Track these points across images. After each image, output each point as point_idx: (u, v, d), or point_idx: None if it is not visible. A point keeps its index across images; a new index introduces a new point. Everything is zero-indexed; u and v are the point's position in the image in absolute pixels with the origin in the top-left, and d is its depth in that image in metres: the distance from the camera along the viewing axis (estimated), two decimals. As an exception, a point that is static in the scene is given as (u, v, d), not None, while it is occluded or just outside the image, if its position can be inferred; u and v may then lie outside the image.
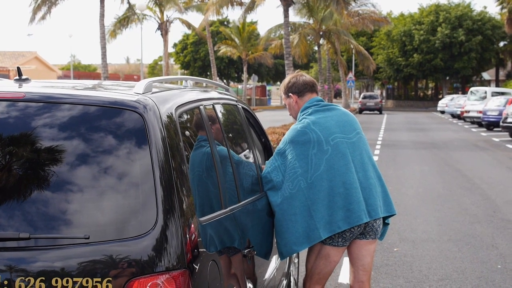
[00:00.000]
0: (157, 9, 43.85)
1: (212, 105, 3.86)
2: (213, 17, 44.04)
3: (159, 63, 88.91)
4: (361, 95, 62.50)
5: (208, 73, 70.94)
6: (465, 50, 65.40)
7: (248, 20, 58.73)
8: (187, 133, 3.34)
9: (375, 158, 18.48)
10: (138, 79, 60.20)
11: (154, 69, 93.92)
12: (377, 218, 4.38)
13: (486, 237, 8.81)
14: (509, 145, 23.80)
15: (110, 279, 2.69)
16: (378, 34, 71.41)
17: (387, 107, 75.22)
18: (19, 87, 3.18)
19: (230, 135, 4.20)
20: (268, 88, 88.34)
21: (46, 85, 3.40)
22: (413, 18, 69.78)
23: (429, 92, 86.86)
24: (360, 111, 56.87)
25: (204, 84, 5.13)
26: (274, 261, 4.65)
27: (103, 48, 31.34)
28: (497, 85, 69.11)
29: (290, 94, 4.67)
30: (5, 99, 2.98)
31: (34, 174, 2.83)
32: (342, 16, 37.10)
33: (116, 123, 2.91)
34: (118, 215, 2.76)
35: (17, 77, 3.39)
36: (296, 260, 5.91)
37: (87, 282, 2.68)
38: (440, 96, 70.96)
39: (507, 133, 26.88)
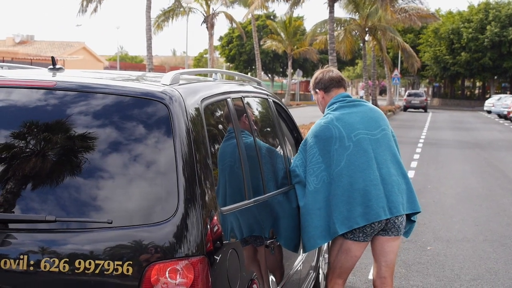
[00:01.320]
0: (203, 2, 44.06)
1: (241, 98, 3.90)
2: (259, 11, 44.12)
3: (204, 56, 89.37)
4: (406, 93, 61.89)
5: (253, 67, 71.07)
6: (515, 49, 64.18)
7: (294, 15, 58.57)
8: (220, 126, 3.43)
9: (417, 157, 18.38)
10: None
11: (199, 62, 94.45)
12: (398, 215, 4.35)
13: (523, 239, 8.69)
14: (555, 147, 23.34)
15: (131, 262, 2.74)
16: (425, 31, 70.52)
17: (433, 105, 74.31)
18: (52, 76, 3.28)
19: (259, 128, 4.23)
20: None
21: (77, 74, 3.50)
22: (462, 16, 68.71)
23: (476, 91, 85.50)
24: (405, 108, 56.30)
25: (237, 78, 5.24)
26: (301, 254, 4.66)
27: (149, 40, 31.68)
28: (546, 86, 67.68)
29: (316, 90, 4.69)
30: (37, 87, 3.06)
31: (64, 160, 2.91)
32: (388, 12, 36.70)
33: (143, 113, 2.96)
34: (141, 201, 2.82)
35: (51, 66, 3.49)
36: (326, 255, 5.89)
37: (108, 264, 2.74)
38: (488, 96, 69.75)
39: (554, 135, 26.37)
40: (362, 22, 42.22)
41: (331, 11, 30.35)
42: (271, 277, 3.77)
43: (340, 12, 47.77)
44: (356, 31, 43.10)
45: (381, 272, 4.60)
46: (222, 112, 3.56)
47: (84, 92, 3.05)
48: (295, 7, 35.54)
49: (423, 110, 56.30)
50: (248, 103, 4.05)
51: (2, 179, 2.90)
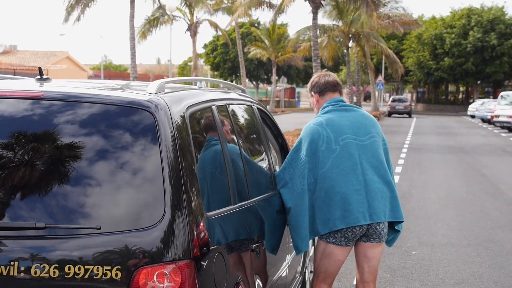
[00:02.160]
0: (187, 10, 44.10)
1: (225, 105, 3.97)
2: (242, 19, 44.21)
3: (189, 64, 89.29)
4: (390, 98, 62.12)
5: (238, 75, 71.10)
6: (497, 54, 64.63)
7: (279, 22, 58.69)
8: (204, 134, 3.54)
9: (401, 162, 18.47)
10: (168, 80, 60.42)
11: (183, 70, 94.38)
12: (380, 222, 4.40)
13: (506, 243, 8.75)
14: (538, 151, 23.54)
15: (120, 267, 2.81)
16: (408, 37, 70.91)
17: (417, 110, 74.68)
18: (40, 86, 3.34)
19: (243, 134, 4.29)
20: (297, 90, 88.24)
21: (65, 84, 3.56)
22: (445, 22, 69.16)
23: (460, 96, 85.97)
24: (389, 114, 56.55)
25: (221, 86, 5.19)
26: (286, 258, 4.73)
27: (133, 48, 31.63)
28: (529, 90, 68.26)
29: (312, 93, 4.79)
30: (25, 97, 3.12)
31: (51, 169, 2.97)
32: (372, 19, 36.87)
33: (129, 122, 3.02)
34: (128, 207, 2.89)
35: (39, 77, 3.54)
36: (311, 253, 5.91)
37: (97, 269, 2.80)
38: (471, 101, 70.14)
39: (536, 139, 26.59)
40: (346, 29, 42.46)
41: (315, 17, 30.47)
42: (257, 281, 3.82)
43: (324, 19, 47.99)
44: (339, 37, 43.29)
45: (363, 277, 4.65)
46: (207, 119, 3.62)
47: (71, 101, 3.11)
48: (279, 14, 35.59)
49: (407, 115, 56.58)
50: (233, 111, 4.12)
51: None
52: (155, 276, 2.82)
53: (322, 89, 4.71)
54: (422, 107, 79.75)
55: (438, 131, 35.39)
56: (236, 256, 3.53)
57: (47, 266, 2.83)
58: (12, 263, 2.84)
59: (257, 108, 4.78)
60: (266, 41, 58.58)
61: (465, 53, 65.72)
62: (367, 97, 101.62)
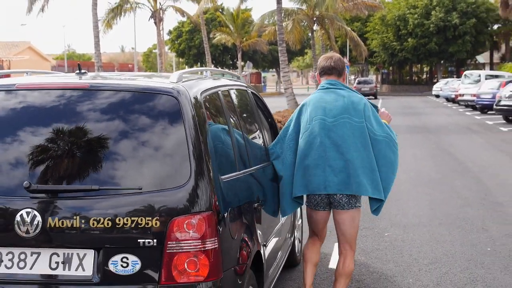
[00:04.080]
0: (150, -3, 43.66)
1: (227, 90, 4.82)
2: (208, 4, 43.89)
3: (153, 51, 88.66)
4: (356, 81, 62.45)
5: (203, 61, 70.79)
6: (459, 34, 65.27)
7: (243, 7, 58.47)
8: (214, 113, 4.32)
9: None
10: (133, 68, 59.91)
11: (148, 57, 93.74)
12: (334, 194, 5.07)
13: (476, 220, 8.88)
14: (502, 128, 23.88)
15: (158, 218, 3.58)
16: (372, 19, 71.18)
17: (382, 92, 75.21)
18: (83, 79, 4.13)
19: (242, 114, 5.06)
20: (263, 75, 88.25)
21: (101, 76, 4.61)
22: (408, 2, 69.56)
23: (424, 76, 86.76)
24: (355, 96, 56.72)
25: (223, 74, 6.25)
26: (280, 219, 5.56)
27: (96, 37, 31.31)
28: (491, 68, 69.12)
29: (316, 73, 5.48)
30: (76, 88, 3.91)
31: (101, 143, 3.72)
32: (336, 1, 36.96)
33: (159, 104, 3.80)
34: (161, 172, 3.66)
35: (78, 71, 4.33)
36: (299, 222, 7.02)
37: (141, 220, 3.58)
38: (435, 80, 70.80)
39: (500, 116, 26.96)
40: (310, 12, 42.40)
41: (279, 1, 30.41)
42: (259, 232, 4.56)
43: (288, 2, 48.03)
44: (304, 21, 43.26)
45: (339, 239, 5.38)
46: (215, 101, 4.40)
47: (112, 90, 3.89)
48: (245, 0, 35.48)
49: (373, 97, 56.95)
50: (233, 94, 4.97)
51: (54, 159, 3.72)
52: (184, 225, 3.58)
53: (320, 72, 5.40)
54: (387, 88, 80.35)
55: (404, 112, 35.69)
56: (243, 211, 4.28)
57: (102, 219, 3.59)
58: (74, 217, 3.60)
59: (251, 92, 5.65)
60: (230, 26, 58.39)
61: (428, 33, 66.22)
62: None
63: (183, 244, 3.59)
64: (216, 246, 3.66)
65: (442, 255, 7.22)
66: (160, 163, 3.68)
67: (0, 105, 3.93)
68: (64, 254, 3.65)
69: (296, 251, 6.82)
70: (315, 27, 45.62)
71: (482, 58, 79.12)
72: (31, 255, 3.66)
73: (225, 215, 3.86)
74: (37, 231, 3.61)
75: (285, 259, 6.06)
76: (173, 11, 45.50)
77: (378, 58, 73.55)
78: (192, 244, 3.60)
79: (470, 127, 24.96)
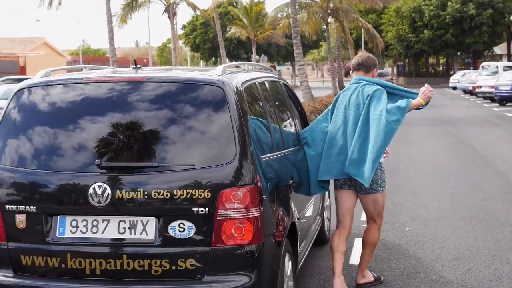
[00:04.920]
0: (164, -9, 43.44)
1: (263, 81, 5.42)
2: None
3: (168, 45, 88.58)
4: (372, 73, 61.76)
5: (218, 55, 70.59)
6: (476, 25, 64.52)
7: (256, 0, 58.17)
8: (253, 101, 4.87)
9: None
10: (147, 62, 59.94)
11: (163, 52, 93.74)
12: (355, 179, 5.56)
13: (500, 214, 8.64)
14: (522, 120, 23.53)
15: (209, 190, 4.16)
16: (387, 11, 70.60)
17: (399, 84, 74.47)
18: (140, 72, 4.71)
19: (276, 103, 5.65)
20: (278, 68, 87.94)
21: (154, 70, 5.32)
22: (423, -7, 68.89)
23: (440, 68, 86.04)
24: (371, 89, 56.33)
25: (258, 67, 6.87)
26: (311, 198, 6.19)
27: (110, 32, 31.21)
28: (508, 59, 68.40)
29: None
30: (134, 81, 4.50)
31: (159, 126, 4.29)
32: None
33: (207, 94, 4.36)
34: (211, 151, 4.24)
35: (134, 66, 4.97)
36: (328, 202, 7.61)
37: (195, 192, 4.16)
38: (452, 72, 70.06)
39: (520, 108, 26.58)
40: (324, 4, 42.01)
41: (293, -6, 30.14)
42: (293, 206, 5.10)
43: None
44: (318, 13, 42.88)
45: (366, 215, 6.01)
46: (253, 91, 4.96)
47: (166, 82, 4.50)
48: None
49: (389, 90, 56.45)
50: (268, 85, 5.56)
51: (119, 141, 4.32)
52: (231, 196, 4.16)
53: (352, 69, 5.99)
54: (403, 80, 79.76)
55: (421, 104, 35.34)
56: (280, 186, 4.83)
57: (161, 191, 4.17)
58: (138, 189, 4.19)
59: (283, 83, 6.28)
60: (244, 20, 58.06)
61: (444, 24, 65.54)
62: (348, 73, 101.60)
63: (230, 213, 4.16)
64: (258, 214, 4.22)
65: (466, 251, 7.00)
66: (209, 143, 4.26)
67: (72, 95, 4.53)
68: (130, 221, 4.24)
69: (326, 229, 7.41)
70: (329, 19, 45.27)
71: (499, 49, 78.28)
72: (102, 222, 4.27)
73: (265, 188, 4.40)
74: (107, 201, 4.21)
75: (316, 235, 6.66)
76: (186, 5, 45.25)
77: (393, 50, 72.99)
78: (238, 212, 4.17)
79: (489, 119, 24.60)
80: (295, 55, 30.52)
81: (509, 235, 7.58)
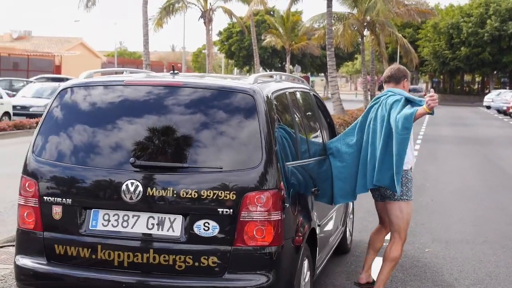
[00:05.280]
0: (201, -3, 43.57)
1: (294, 92, 5.68)
2: (258, 6, 43.66)
3: (203, 51, 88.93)
4: (405, 88, 61.19)
5: (252, 63, 70.69)
6: (515, 44, 63.77)
7: (293, 9, 58.03)
8: (282, 110, 5.10)
9: (415, 153, 18.06)
10: (181, 67, 60.22)
11: (198, 57, 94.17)
12: (379, 187, 5.78)
13: (524, 240, 8.43)
14: (555, 143, 23.06)
15: (235, 192, 4.35)
16: (424, 26, 70.10)
17: (432, 100, 73.79)
18: (177, 78, 4.97)
19: (305, 113, 5.88)
20: (312, 79, 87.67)
21: (190, 76, 5.49)
22: (462, 10, 68.30)
23: (476, 86, 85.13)
24: (404, 104, 55.83)
25: (290, 78, 6.87)
26: (333, 208, 6.27)
27: (145, 35, 31.35)
28: (546, 81, 67.32)
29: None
30: (172, 86, 4.74)
31: (191, 130, 4.51)
32: (389, 7, 36.24)
33: (239, 101, 4.56)
34: (238, 156, 4.44)
35: (172, 71, 5.20)
36: (351, 216, 7.79)
37: (221, 193, 4.36)
38: (487, 91, 69.31)
39: (554, 131, 26.09)
40: (361, 17, 41.77)
41: (329, 5, 30.02)
42: (315, 213, 5.27)
43: (339, 6, 47.19)
44: (354, 25, 42.66)
45: (390, 229, 6.00)
46: (283, 101, 5.18)
47: (201, 88, 4.71)
48: (295, 2, 35.18)
49: (422, 106, 55.97)
50: (298, 95, 5.83)
51: (153, 142, 4.54)
52: (255, 199, 4.34)
53: (383, 82, 6.13)
54: (437, 97, 79.00)
55: (453, 122, 34.94)
56: (302, 193, 5.03)
57: (189, 191, 4.38)
58: (168, 188, 4.40)
59: (313, 94, 6.49)
60: (280, 29, 58.03)
61: (482, 42, 64.89)
62: (381, 87, 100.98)
63: (253, 215, 4.35)
64: (279, 218, 4.40)
65: (485, 276, 6.82)
66: (238, 148, 4.46)
67: (111, 96, 4.77)
68: (158, 217, 4.45)
69: (347, 240, 7.53)
70: (365, 32, 45.02)
71: (537, 70, 77.17)
72: (133, 217, 4.48)
73: (288, 194, 4.58)
74: (138, 198, 4.42)
75: (337, 243, 6.81)
76: (223, 12, 45.36)
77: (429, 66, 72.39)
78: (260, 215, 4.35)
79: (521, 140, 24.19)
80: (328, 66, 30.36)
81: (532, 262, 7.38)
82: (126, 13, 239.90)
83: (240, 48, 74.50)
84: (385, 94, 5.84)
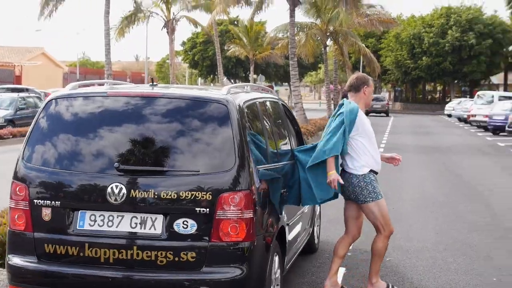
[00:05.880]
0: (164, 7, 43.47)
1: (264, 101, 6.13)
2: (221, 16, 43.64)
3: (167, 61, 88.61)
4: (368, 97, 61.69)
5: (216, 72, 70.60)
6: (475, 54, 64.78)
7: (257, 19, 58.16)
8: (253, 118, 5.51)
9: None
10: (144, 78, 59.96)
11: (161, 67, 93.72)
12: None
13: (483, 247, 8.51)
14: (514, 151, 23.42)
15: (211, 193, 4.77)
16: (387, 36, 70.84)
17: (395, 109, 74.69)
18: (156, 89, 5.36)
19: (274, 121, 6.31)
20: (276, 88, 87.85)
21: (168, 87, 5.98)
22: (424, 21, 69.19)
23: (437, 95, 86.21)
24: (367, 113, 56.09)
25: (260, 88, 7.22)
26: (301, 209, 6.69)
27: (107, 45, 31.15)
28: (505, 90, 68.50)
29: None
30: (151, 97, 5.13)
31: (170, 137, 4.91)
32: (352, 17, 36.55)
33: (213, 110, 4.98)
34: (214, 160, 4.85)
35: (151, 83, 5.60)
36: (318, 218, 8.24)
37: (198, 194, 4.78)
38: (448, 100, 70.20)
39: (513, 138, 26.50)
40: (324, 27, 42.05)
41: (292, 15, 30.20)
42: (284, 212, 5.70)
43: (302, 16, 47.43)
44: (317, 35, 42.92)
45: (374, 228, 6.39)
46: (254, 109, 5.60)
47: (179, 98, 5.15)
48: (258, 11, 35.26)
49: (384, 114, 56.55)
50: (268, 105, 6.30)
51: (134, 148, 4.91)
52: (229, 199, 4.76)
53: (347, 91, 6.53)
54: (399, 106, 79.87)
55: (415, 131, 35.31)
56: (271, 193, 5.36)
57: (169, 192, 4.79)
58: (149, 190, 4.81)
59: (281, 103, 6.96)
60: (244, 39, 58.11)
61: (443, 52, 65.78)
62: (345, 96, 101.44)
63: (227, 213, 4.76)
64: (251, 216, 4.82)
65: (445, 284, 6.86)
66: (213, 153, 4.87)
67: (95, 106, 5.15)
68: (141, 217, 4.86)
69: (315, 240, 7.98)
70: (328, 42, 45.33)
71: (496, 79, 78.54)
72: (117, 217, 4.88)
73: (258, 194, 4.98)
74: (122, 199, 4.82)
75: (304, 243, 7.24)
76: (187, 21, 45.27)
77: (391, 75, 73.10)
78: (234, 213, 4.76)
79: (481, 148, 24.52)
80: (291, 76, 30.53)
81: (490, 270, 7.45)
82: (88, 22, 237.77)
83: (203, 58, 74.34)
84: (341, 105, 6.31)
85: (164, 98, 5.10)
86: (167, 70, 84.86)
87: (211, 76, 77.08)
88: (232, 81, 77.03)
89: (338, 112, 6.18)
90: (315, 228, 7.92)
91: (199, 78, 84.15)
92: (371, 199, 6.10)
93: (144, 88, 5.51)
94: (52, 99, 5.27)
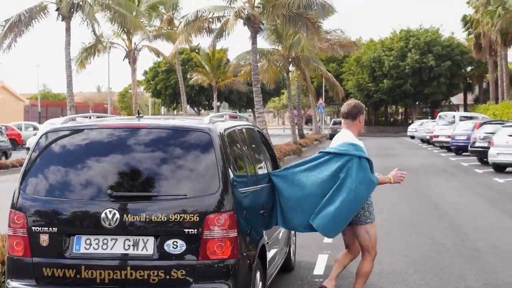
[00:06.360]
0: (125, 37, 43.28)
1: (241, 129, 6.54)
2: (183, 45, 43.58)
3: (129, 91, 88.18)
4: (332, 121, 62.31)
5: (179, 101, 70.45)
6: (435, 75, 65.84)
7: (218, 47, 58.31)
8: (233, 145, 5.92)
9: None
10: (107, 108, 59.54)
11: (124, 97, 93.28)
12: None
13: (454, 268, 8.50)
14: (477, 170, 23.64)
15: (198, 215, 5.18)
16: (348, 60, 71.60)
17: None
18: (142, 121, 5.78)
19: (251, 147, 6.76)
20: (239, 115, 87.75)
21: (154, 118, 6.35)
22: (383, 44, 70.16)
23: (399, 117, 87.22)
24: (331, 137, 56.53)
25: (239, 117, 8.18)
26: (279, 229, 7.09)
27: (69, 76, 30.78)
28: (465, 110, 69.65)
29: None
30: (138, 128, 5.56)
31: (158, 165, 5.32)
32: (314, 42, 36.80)
33: (197, 139, 5.43)
34: (199, 184, 5.26)
35: (137, 115, 6.04)
36: (294, 238, 8.59)
37: (186, 216, 5.18)
38: (410, 121, 71.07)
39: (475, 158, 26.78)
40: (285, 53, 42.29)
41: (254, 42, 30.26)
42: (264, 232, 6.10)
43: (264, 43, 47.76)
44: (279, 61, 43.15)
45: (361, 250, 6.69)
46: (234, 137, 6.02)
47: (164, 129, 5.58)
48: (218, 39, 35.24)
49: (349, 138, 56.70)
50: (245, 132, 6.68)
51: (126, 176, 5.31)
52: (215, 220, 5.16)
53: (341, 116, 6.76)
54: (363, 129, 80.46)
55: (379, 153, 35.48)
56: (253, 214, 5.83)
57: (160, 215, 5.19)
58: (141, 214, 5.19)
59: (257, 130, 7.45)
60: (206, 67, 58.15)
61: (403, 74, 66.70)
62: (309, 121, 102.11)
63: (214, 233, 5.16)
64: (235, 235, 5.23)
65: (418, 307, 6.80)
66: (198, 178, 5.29)
67: (87, 138, 5.55)
68: (133, 239, 5.23)
69: (292, 259, 8.38)
70: (290, 67, 45.59)
71: (456, 99, 79.77)
72: (111, 240, 5.25)
73: (241, 215, 5.39)
74: (116, 224, 5.20)
75: (282, 261, 7.67)
76: (149, 50, 45.12)
77: (353, 98, 73.77)
78: (219, 233, 5.16)
79: (445, 169, 24.73)
80: (255, 102, 30.53)
81: (463, 291, 7.42)
82: (49, 55, 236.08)
83: (166, 86, 74.16)
84: (337, 150, 6.59)
85: (150, 128, 5.51)
86: (129, 100, 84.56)
87: (174, 104, 76.87)
88: (196, 109, 76.92)
89: (343, 152, 6.60)
90: (291, 248, 8.28)
91: (162, 107, 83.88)
92: (370, 221, 6.42)
93: (132, 120, 5.95)
94: (46, 133, 5.64)
